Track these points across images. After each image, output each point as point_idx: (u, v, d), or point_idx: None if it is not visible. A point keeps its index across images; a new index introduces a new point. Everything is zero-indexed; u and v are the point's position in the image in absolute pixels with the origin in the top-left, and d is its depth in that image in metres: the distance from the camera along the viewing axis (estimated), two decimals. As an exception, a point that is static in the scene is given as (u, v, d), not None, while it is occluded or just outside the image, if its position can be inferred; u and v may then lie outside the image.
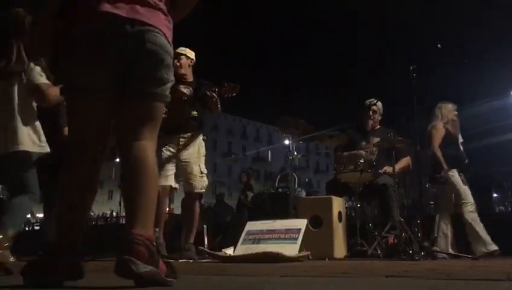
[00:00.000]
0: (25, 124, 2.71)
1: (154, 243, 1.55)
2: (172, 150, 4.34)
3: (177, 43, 4.55)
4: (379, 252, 4.25)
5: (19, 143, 2.67)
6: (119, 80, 1.68)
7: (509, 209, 13.02)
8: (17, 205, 2.63)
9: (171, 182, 4.32)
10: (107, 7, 1.67)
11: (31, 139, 2.72)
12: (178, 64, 4.34)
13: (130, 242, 1.46)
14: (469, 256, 4.05)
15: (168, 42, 1.77)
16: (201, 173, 4.29)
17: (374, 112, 5.16)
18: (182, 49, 4.45)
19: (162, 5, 1.79)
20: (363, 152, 4.78)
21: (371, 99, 5.24)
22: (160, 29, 1.74)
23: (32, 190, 2.74)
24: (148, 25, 1.70)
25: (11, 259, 2.44)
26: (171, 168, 4.31)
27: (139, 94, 1.70)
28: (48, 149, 2.81)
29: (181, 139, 4.35)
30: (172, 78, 1.80)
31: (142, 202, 1.58)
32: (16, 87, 2.71)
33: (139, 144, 1.67)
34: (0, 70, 2.65)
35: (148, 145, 1.69)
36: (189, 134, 4.36)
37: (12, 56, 2.64)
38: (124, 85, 1.69)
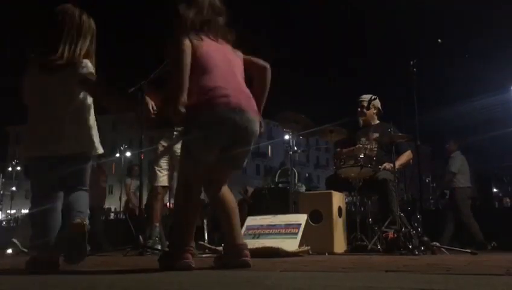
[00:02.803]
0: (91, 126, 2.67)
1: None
2: (164, 143, 4.38)
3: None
4: (379, 247, 4.25)
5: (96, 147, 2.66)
6: (224, 153, 2.35)
7: (509, 204, 13.03)
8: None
9: (166, 182, 4.46)
10: (220, 101, 2.28)
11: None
12: None
13: (241, 249, 2.35)
14: (468, 251, 4.06)
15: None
16: None
17: (364, 107, 5.14)
18: None
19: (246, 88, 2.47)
20: (361, 146, 4.76)
21: (363, 95, 5.22)
22: (255, 112, 2.40)
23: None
24: (249, 112, 2.34)
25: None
26: (165, 168, 4.39)
27: (235, 166, 2.48)
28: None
29: (174, 133, 4.38)
30: None
31: (238, 226, 2.47)
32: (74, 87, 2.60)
33: (224, 189, 2.48)
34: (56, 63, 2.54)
35: (226, 188, 2.49)
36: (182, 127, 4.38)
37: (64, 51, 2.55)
38: (226, 157, 2.37)
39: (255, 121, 2.39)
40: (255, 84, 2.57)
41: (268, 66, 2.57)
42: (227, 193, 2.49)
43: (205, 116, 2.30)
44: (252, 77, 2.57)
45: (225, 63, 2.43)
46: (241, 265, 2.27)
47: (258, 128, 2.43)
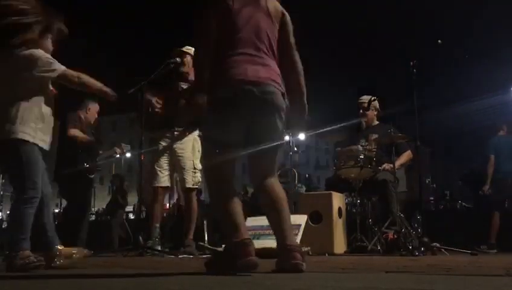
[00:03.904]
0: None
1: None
2: (164, 143, 4.39)
3: (182, 41, 4.52)
4: (379, 247, 4.25)
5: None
6: (249, 134, 2.19)
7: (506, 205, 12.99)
8: None
9: (167, 183, 4.43)
10: (237, 74, 2.14)
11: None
12: (181, 61, 4.35)
13: (291, 251, 2.08)
14: (468, 252, 4.05)
15: (282, 92, 2.23)
16: (195, 168, 4.32)
17: (365, 108, 5.14)
18: (188, 48, 4.38)
19: (273, 61, 2.26)
20: (359, 147, 4.75)
21: (362, 96, 5.22)
22: (276, 84, 2.19)
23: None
24: (267, 84, 2.16)
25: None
26: (166, 168, 4.38)
27: (266, 149, 2.20)
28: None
29: (175, 132, 4.39)
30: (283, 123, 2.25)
31: (287, 223, 2.21)
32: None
33: (271, 182, 2.24)
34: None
35: (276, 181, 2.27)
36: (183, 127, 4.37)
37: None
38: (252, 139, 2.19)
39: (275, 93, 2.18)
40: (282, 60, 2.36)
41: (295, 52, 2.36)
42: (275, 184, 2.24)
43: (219, 91, 2.16)
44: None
45: (251, 30, 2.23)
46: (292, 269, 2.04)
47: (282, 102, 2.21)
